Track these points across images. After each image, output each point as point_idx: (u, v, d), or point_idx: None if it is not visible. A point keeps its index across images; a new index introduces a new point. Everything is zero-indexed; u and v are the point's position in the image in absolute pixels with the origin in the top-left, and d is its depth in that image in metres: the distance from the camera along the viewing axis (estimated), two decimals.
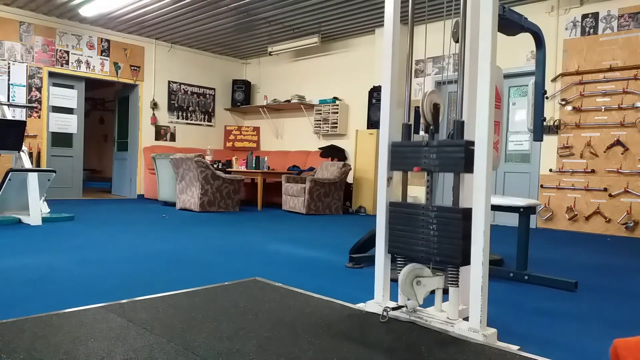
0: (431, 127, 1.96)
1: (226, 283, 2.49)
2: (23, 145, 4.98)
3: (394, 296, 2.08)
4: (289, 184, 7.05)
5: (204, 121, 9.64)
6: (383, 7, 6.55)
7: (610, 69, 5.59)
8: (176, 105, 9.21)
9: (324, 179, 6.86)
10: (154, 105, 8.87)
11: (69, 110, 8.02)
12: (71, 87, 8.05)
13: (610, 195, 5.57)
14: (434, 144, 1.87)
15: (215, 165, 7.42)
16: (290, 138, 9.24)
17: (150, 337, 1.66)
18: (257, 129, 9.76)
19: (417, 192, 6.91)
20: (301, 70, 9.05)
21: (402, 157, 1.99)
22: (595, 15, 5.75)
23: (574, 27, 5.90)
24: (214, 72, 9.75)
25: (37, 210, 4.74)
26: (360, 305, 2.15)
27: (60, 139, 8.02)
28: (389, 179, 2.06)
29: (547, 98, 5.90)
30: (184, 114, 9.33)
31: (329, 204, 6.99)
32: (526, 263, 2.96)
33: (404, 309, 1.95)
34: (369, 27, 7.57)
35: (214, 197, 6.66)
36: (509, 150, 6.49)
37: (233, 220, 5.78)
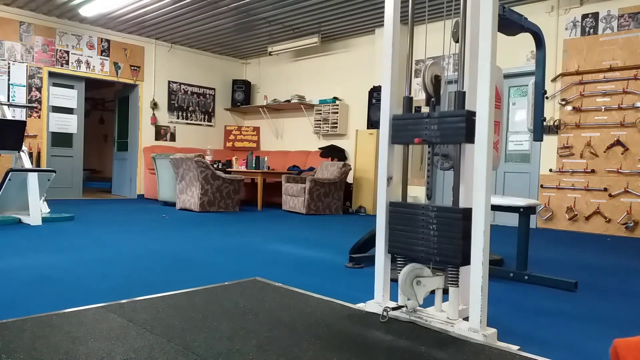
0: (432, 99, 1.96)
1: (226, 283, 2.49)
2: (23, 145, 4.98)
3: (394, 296, 2.08)
4: (289, 184, 7.05)
5: (204, 121, 9.64)
6: (383, 7, 6.55)
7: (610, 69, 5.59)
8: (176, 105, 9.21)
9: (324, 179, 6.86)
10: (154, 105, 8.87)
11: (69, 110, 8.02)
12: (71, 87, 8.05)
13: (610, 195, 5.57)
14: (435, 115, 1.86)
15: (215, 165, 7.42)
16: (290, 138, 9.24)
17: (150, 337, 1.66)
18: (257, 129, 9.76)
19: (417, 192, 6.91)
20: (301, 70, 9.06)
21: (403, 130, 1.97)
22: (595, 15, 5.75)
23: (574, 27, 5.90)
24: (214, 72, 9.75)
25: (37, 210, 4.74)
26: (360, 305, 2.15)
27: (60, 139, 8.02)
28: (389, 178, 2.06)
29: (547, 98, 5.90)
30: (184, 114, 9.33)
31: (329, 204, 6.99)
32: (526, 263, 2.96)
33: (404, 309, 1.95)
34: (369, 27, 7.56)
35: (214, 197, 6.66)
36: (509, 150, 6.49)
37: (233, 220, 5.78)
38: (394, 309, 1.94)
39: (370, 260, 3.34)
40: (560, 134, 5.96)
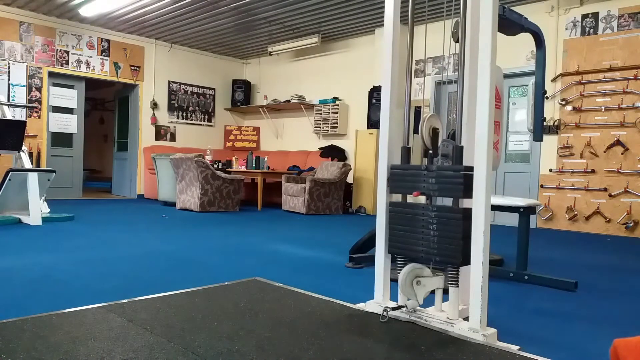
0: (430, 151, 1.97)
1: (226, 283, 2.49)
2: (23, 145, 4.98)
3: (394, 296, 2.08)
4: (289, 184, 7.05)
5: (204, 121, 9.64)
6: (383, 7, 6.55)
7: (610, 69, 5.59)
8: (176, 105, 9.21)
9: (324, 179, 6.86)
10: (154, 105, 8.87)
11: (69, 110, 8.02)
12: (71, 87, 8.05)
13: (610, 195, 5.57)
14: (433, 169, 1.88)
15: (215, 165, 7.42)
16: (290, 138, 9.24)
17: (150, 337, 1.66)
18: (257, 129, 9.76)
19: None
20: (301, 70, 9.06)
21: (401, 181, 1.99)
22: (595, 15, 5.75)
23: (574, 27, 5.90)
24: (214, 72, 9.75)
25: (37, 210, 4.74)
26: (360, 305, 2.15)
27: (60, 139, 8.02)
28: (389, 178, 2.06)
29: (547, 98, 5.90)
30: (184, 114, 9.33)
31: (329, 204, 6.99)
32: (526, 263, 2.96)
33: (404, 309, 1.95)
34: (369, 27, 7.57)
35: (214, 197, 6.66)
36: (509, 150, 6.49)
37: (233, 220, 5.78)
38: (394, 309, 1.94)
39: (370, 260, 3.34)
40: (560, 134, 5.96)
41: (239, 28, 7.88)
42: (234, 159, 7.79)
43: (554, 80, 6.00)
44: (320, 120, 8.39)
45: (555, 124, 5.97)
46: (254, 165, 7.61)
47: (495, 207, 2.96)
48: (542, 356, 1.63)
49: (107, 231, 4.47)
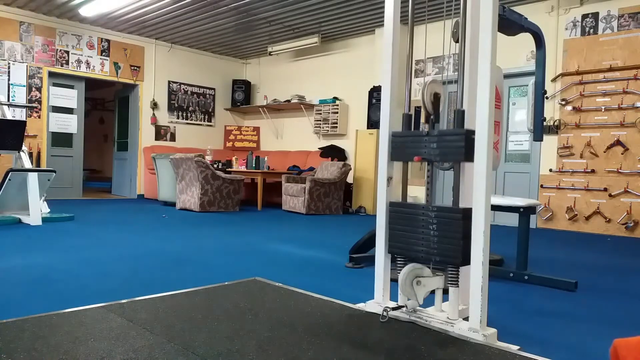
0: (431, 116, 1.96)
1: (226, 283, 2.49)
2: (23, 145, 4.98)
3: (394, 296, 2.08)
4: (289, 184, 7.05)
5: (204, 121, 9.64)
6: (383, 7, 6.55)
7: (610, 69, 5.59)
8: (176, 105, 9.21)
9: (324, 179, 6.86)
10: (154, 105, 8.87)
11: (69, 110, 8.02)
12: (71, 87, 8.05)
13: (610, 195, 5.57)
14: (434, 133, 1.87)
15: (215, 165, 7.42)
16: (290, 138, 9.24)
17: (150, 337, 1.66)
18: (257, 129, 9.76)
19: (417, 192, 6.91)
20: (301, 70, 9.06)
21: (402, 147, 1.98)
22: (595, 15, 5.75)
23: (574, 27, 5.90)
24: (214, 72, 9.75)
25: (37, 210, 4.74)
26: (360, 305, 2.15)
27: (60, 139, 8.02)
28: (389, 178, 2.06)
29: (547, 98, 5.90)
30: (184, 114, 9.33)
31: (329, 204, 6.99)
32: (526, 263, 2.96)
33: (404, 309, 1.95)
34: (369, 27, 7.57)
35: (214, 197, 6.66)
36: (509, 150, 6.49)
37: (233, 220, 5.78)
38: (394, 309, 1.94)
39: (370, 260, 3.34)
40: (560, 134, 5.96)
41: (239, 28, 7.88)
42: (234, 159, 7.79)
43: (554, 80, 6.00)
44: (320, 120, 8.39)
45: (555, 124, 5.97)
46: (254, 165, 7.61)
47: (495, 207, 2.96)
48: (542, 356, 1.63)
49: (107, 231, 4.47)
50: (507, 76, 6.29)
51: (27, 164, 5.07)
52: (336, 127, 8.15)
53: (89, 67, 8.05)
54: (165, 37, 8.63)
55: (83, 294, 2.33)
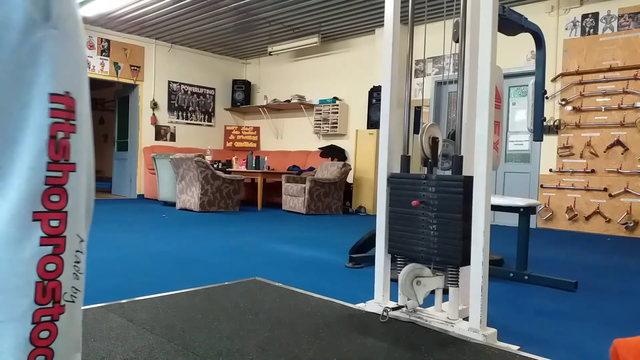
0: (430, 160, 1.97)
1: (226, 283, 2.49)
2: None
3: (394, 296, 2.08)
4: (289, 184, 7.05)
5: (204, 121, 9.64)
6: (383, 7, 6.55)
7: (610, 69, 5.59)
8: (176, 105, 9.21)
9: (324, 179, 6.86)
10: (154, 105, 8.87)
11: None
12: None
13: (610, 195, 5.57)
14: (432, 178, 1.88)
15: (215, 165, 7.42)
16: (290, 138, 9.24)
17: (150, 337, 1.67)
18: (257, 129, 9.76)
19: None
20: (301, 70, 9.06)
21: (400, 189, 1.99)
22: (595, 15, 5.75)
23: (574, 27, 5.90)
24: (214, 72, 9.75)
25: None
26: (360, 305, 2.15)
27: None
28: (389, 178, 2.06)
29: (547, 98, 5.90)
30: (184, 114, 9.33)
31: (329, 204, 6.99)
32: (526, 263, 2.96)
33: (404, 309, 1.95)
34: (369, 27, 7.57)
35: (214, 197, 6.66)
36: (509, 150, 6.49)
37: (233, 220, 5.78)
38: (394, 309, 1.94)
39: (370, 260, 3.34)
40: (560, 134, 5.96)
41: (239, 28, 7.88)
42: (234, 159, 7.79)
43: (554, 80, 6.00)
44: (320, 120, 8.39)
45: (555, 124, 5.97)
46: (254, 165, 7.61)
47: (495, 207, 2.96)
48: (542, 356, 1.63)
49: (107, 231, 4.47)
50: (507, 76, 6.29)
51: None
52: (336, 127, 8.15)
53: (89, 67, 8.05)
54: (165, 37, 8.63)
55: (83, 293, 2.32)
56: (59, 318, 0.69)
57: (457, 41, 2.09)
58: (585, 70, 5.77)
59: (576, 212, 5.80)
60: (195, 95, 9.48)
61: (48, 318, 0.67)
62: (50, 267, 0.67)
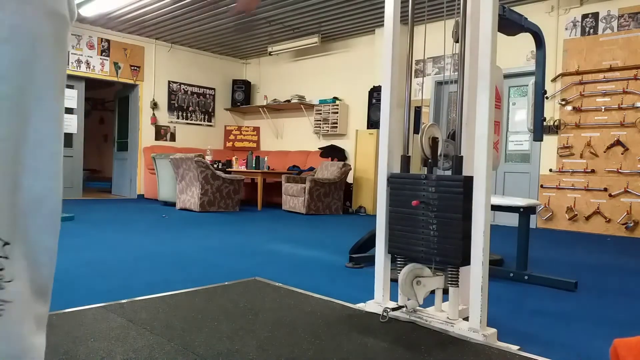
0: (430, 160, 1.97)
1: (226, 283, 2.49)
2: None
3: (394, 296, 2.08)
4: (289, 184, 7.05)
5: (204, 121, 9.64)
6: (383, 7, 6.55)
7: (610, 69, 5.59)
8: (176, 105, 9.21)
9: (324, 179, 6.86)
10: (154, 105, 8.87)
11: (68, 110, 8.02)
12: (71, 87, 8.05)
13: (610, 195, 5.56)
14: (432, 178, 1.88)
15: (215, 165, 7.42)
16: (290, 138, 9.24)
17: (150, 337, 1.66)
18: (257, 129, 9.76)
19: None
20: (301, 70, 9.06)
21: (400, 189, 1.99)
22: (595, 15, 5.75)
23: (574, 27, 5.90)
24: (214, 72, 9.75)
25: None
26: (360, 305, 2.15)
27: None
28: (389, 178, 2.06)
29: (547, 98, 5.90)
30: (184, 114, 9.33)
31: (329, 204, 6.99)
32: (526, 263, 2.96)
33: (404, 309, 1.95)
34: (369, 27, 7.56)
35: (214, 197, 6.66)
36: (509, 150, 6.49)
37: (233, 220, 5.78)
38: (394, 309, 1.94)
39: (370, 260, 3.34)
40: (560, 134, 5.96)
41: (239, 28, 7.88)
42: (234, 159, 7.79)
43: (554, 80, 6.00)
44: (320, 120, 8.39)
45: (555, 124, 5.97)
46: (254, 165, 7.61)
47: (495, 207, 2.96)
48: (542, 356, 1.63)
49: (107, 231, 4.47)
50: (507, 76, 6.29)
51: None
52: (336, 127, 8.15)
53: (89, 67, 8.05)
54: (165, 37, 8.63)
55: (83, 293, 2.33)
56: None
57: (457, 41, 2.09)
58: (585, 70, 5.77)
59: (576, 212, 5.79)
60: (195, 95, 9.48)
61: None
62: None
